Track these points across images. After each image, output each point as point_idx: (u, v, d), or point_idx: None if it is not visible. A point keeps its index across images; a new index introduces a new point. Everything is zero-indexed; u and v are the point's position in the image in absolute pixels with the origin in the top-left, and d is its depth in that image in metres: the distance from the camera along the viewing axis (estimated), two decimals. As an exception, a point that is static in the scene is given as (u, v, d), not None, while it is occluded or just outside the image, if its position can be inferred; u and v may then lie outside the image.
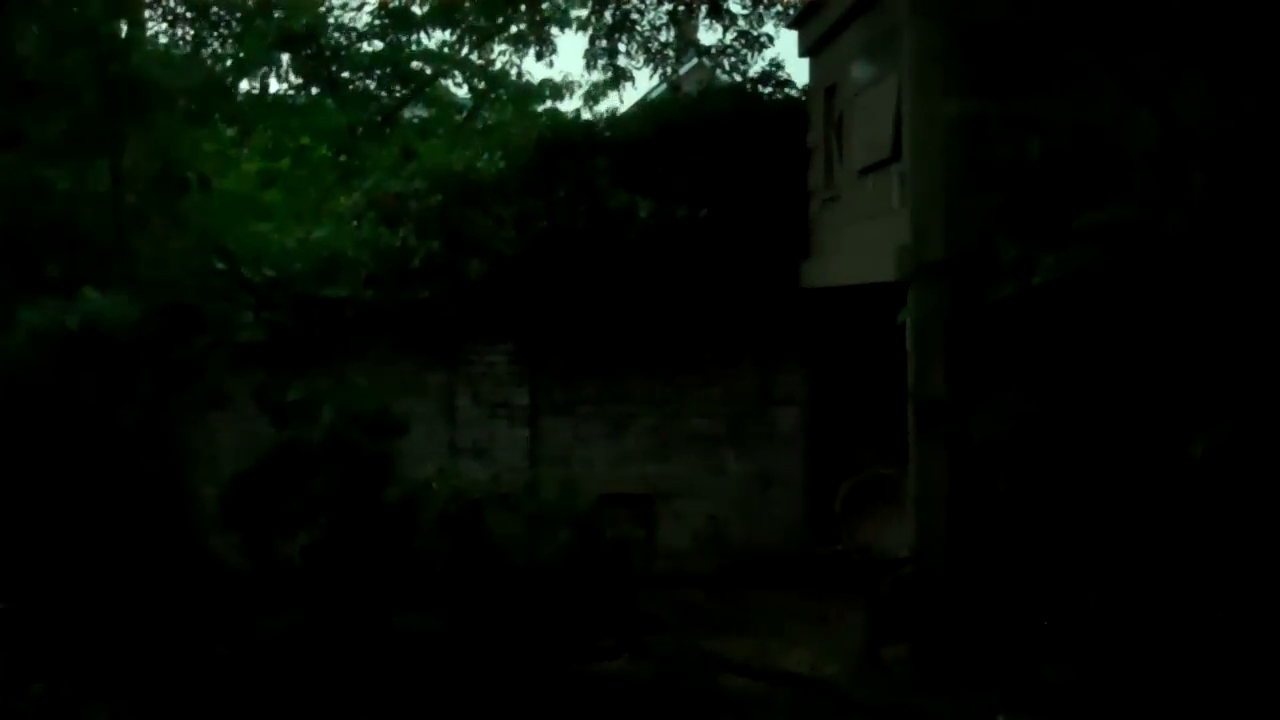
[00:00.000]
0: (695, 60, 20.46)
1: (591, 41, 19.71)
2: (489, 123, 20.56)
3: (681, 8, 19.06)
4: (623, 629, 11.87)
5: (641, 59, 19.47)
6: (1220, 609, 8.28)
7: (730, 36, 19.37)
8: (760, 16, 19.23)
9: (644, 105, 17.90)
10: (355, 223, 15.51)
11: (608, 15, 19.21)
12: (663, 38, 19.41)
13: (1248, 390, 7.93)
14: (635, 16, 19.20)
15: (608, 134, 15.85)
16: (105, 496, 11.42)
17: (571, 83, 20.86)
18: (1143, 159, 8.87)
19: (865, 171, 12.42)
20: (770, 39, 19.28)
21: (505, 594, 11.29)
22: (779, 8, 19.16)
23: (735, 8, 19.23)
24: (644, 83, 20.46)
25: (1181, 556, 8.65)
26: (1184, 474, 8.26)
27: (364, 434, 12.55)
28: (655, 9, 19.17)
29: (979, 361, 10.47)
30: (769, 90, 16.12)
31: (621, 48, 19.46)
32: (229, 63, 14.97)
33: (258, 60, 13.59)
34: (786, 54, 26.09)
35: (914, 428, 11.09)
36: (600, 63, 19.69)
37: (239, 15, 18.41)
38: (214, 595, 11.55)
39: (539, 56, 20.69)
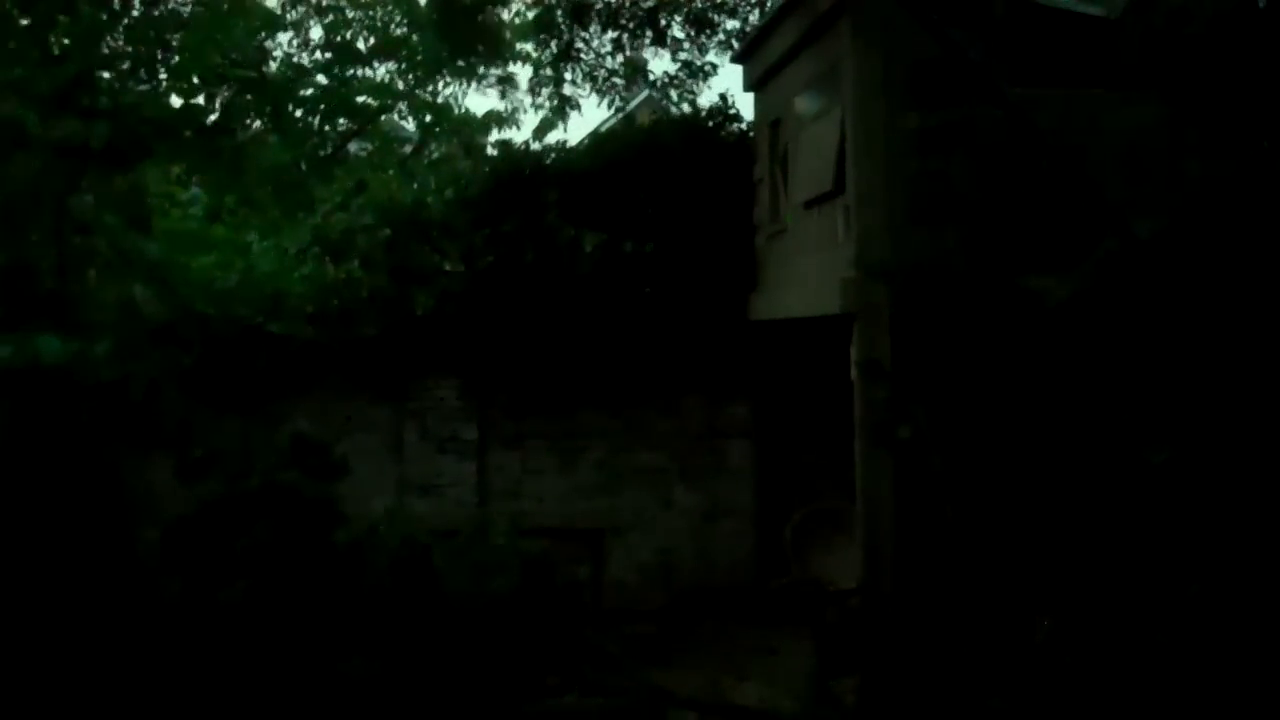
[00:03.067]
0: (645, 91, 20.53)
1: (536, 70, 19.77)
2: (435, 156, 20.52)
3: (626, 35, 19.09)
4: (571, 665, 11.82)
5: (588, 88, 19.50)
6: (1169, 637, 8.32)
7: (675, 66, 19.48)
8: (704, 45, 19.34)
9: (593, 138, 17.90)
10: (301, 258, 15.39)
11: (553, 45, 19.23)
12: (609, 65, 19.44)
13: (1190, 414, 8.01)
14: (580, 45, 19.23)
15: (556, 167, 15.83)
16: (44, 539, 11.25)
17: (516, 113, 20.87)
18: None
19: (810, 205, 12.49)
20: (714, 67, 19.41)
21: (451, 634, 11.22)
22: (720, 36, 19.28)
23: (679, 33, 19.33)
24: (592, 112, 20.60)
25: (1124, 585, 8.70)
26: (1123, 503, 8.32)
27: (305, 476, 12.45)
28: (600, 37, 19.20)
29: (927, 387, 10.52)
30: (714, 124, 16.14)
31: (568, 76, 19.51)
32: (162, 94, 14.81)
33: (189, 94, 13.43)
34: (732, 84, 26.39)
35: (861, 459, 11.12)
36: (546, 91, 19.73)
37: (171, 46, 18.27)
38: (155, 638, 11.40)
39: (502, 95, 20.82)
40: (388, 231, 15.25)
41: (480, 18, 16.01)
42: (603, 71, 19.40)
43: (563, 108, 19.76)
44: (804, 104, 12.92)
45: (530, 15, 20.01)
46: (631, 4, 18.67)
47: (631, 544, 15.25)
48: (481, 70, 20.56)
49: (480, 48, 18.10)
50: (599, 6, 18.63)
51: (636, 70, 19.64)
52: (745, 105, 16.90)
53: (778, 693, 11.67)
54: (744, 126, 16.20)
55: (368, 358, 14.85)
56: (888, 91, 11.03)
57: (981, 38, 10.24)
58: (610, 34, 19.01)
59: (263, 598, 11.40)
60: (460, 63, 20.10)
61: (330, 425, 14.25)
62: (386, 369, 15.01)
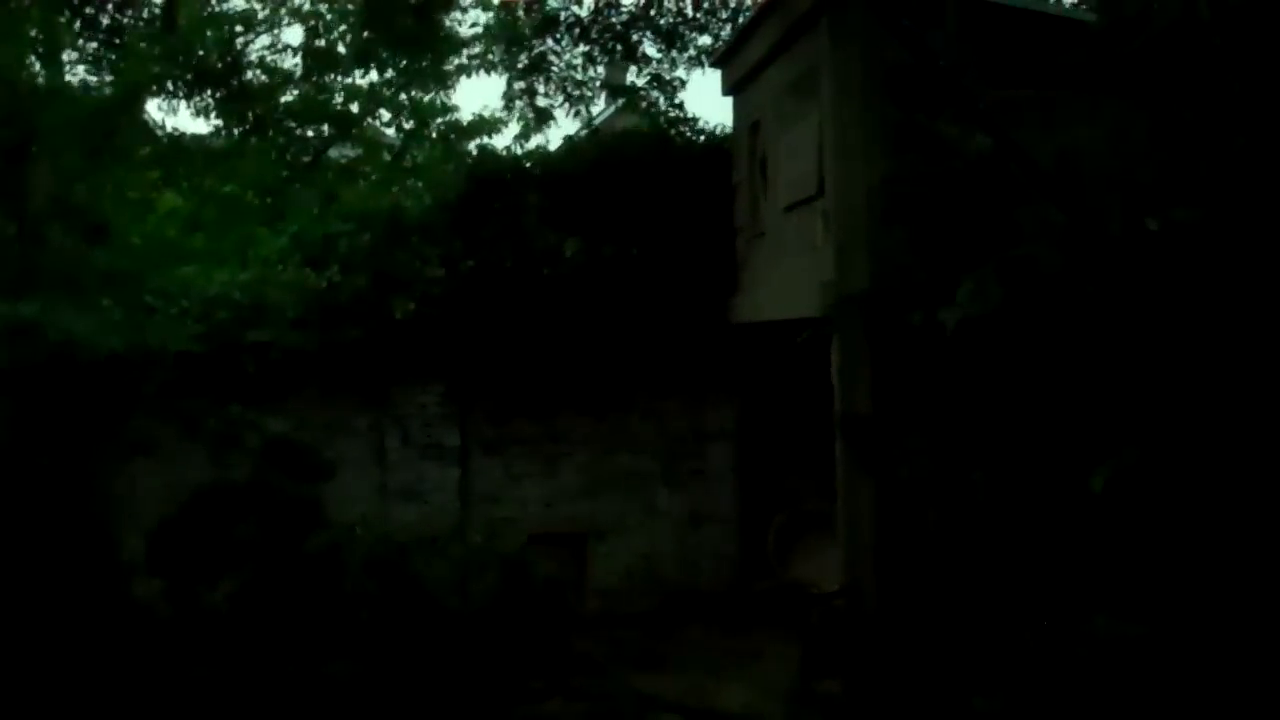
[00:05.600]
0: (617, 102, 20.56)
1: (509, 83, 19.86)
2: (417, 160, 20.50)
3: (597, 49, 19.19)
4: (555, 670, 11.81)
5: (560, 98, 19.61)
6: (1145, 636, 8.35)
7: (643, 80, 19.59)
8: (674, 60, 19.49)
9: (572, 142, 17.91)
10: (281, 265, 15.35)
11: (524, 57, 19.36)
12: (579, 77, 19.56)
13: (1148, 421, 8.06)
14: (552, 58, 19.34)
15: (536, 172, 15.84)
16: (26, 543, 11.23)
17: (499, 119, 20.86)
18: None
19: (790, 208, 12.51)
20: (683, 82, 19.56)
21: (434, 638, 11.20)
22: (691, 52, 19.45)
23: (650, 51, 19.47)
24: (568, 121, 20.62)
25: (1103, 583, 8.73)
26: (1096, 503, 8.35)
27: (290, 478, 12.44)
28: (570, 50, 19.31)
29: (903, 393, 10.54)
30: (688, 131, 16.20)
31: (540, 88, 19.61)
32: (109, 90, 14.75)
33: (141, 87, 13.35)
34: (702, 98, 26.51)
35: (842, 462, 11.14)
36: (518, 104, 19.87)
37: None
38: (138, 643, 11.37)
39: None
40: (367, 237, 15.20)
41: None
42: (572, 84, 19.55)
43: (540, 119, 19.85)
44: (782, 108, 12.94)
45: (483, 20, 20.22)
46: (602, 19, 18.80)
47: (615, 548, 15.25)
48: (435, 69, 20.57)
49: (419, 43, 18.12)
50: (569, 21, 18.76)
51: (611, 89, 19.78)
52: (725, 109, 16.89)
53: (762, 696, 11.69)
54: (723, 130, 16.25)
55: (349, 364, 14.80)
56: (866, 94, 11.05)
57: (955, 41, 10.29)
58: (581, 48, 19.16)
59: (246, 598, 11.40)
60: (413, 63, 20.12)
61: (312, 432, 14.21)
62: (368, 375, 14.97)
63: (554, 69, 19.42)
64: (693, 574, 15.16)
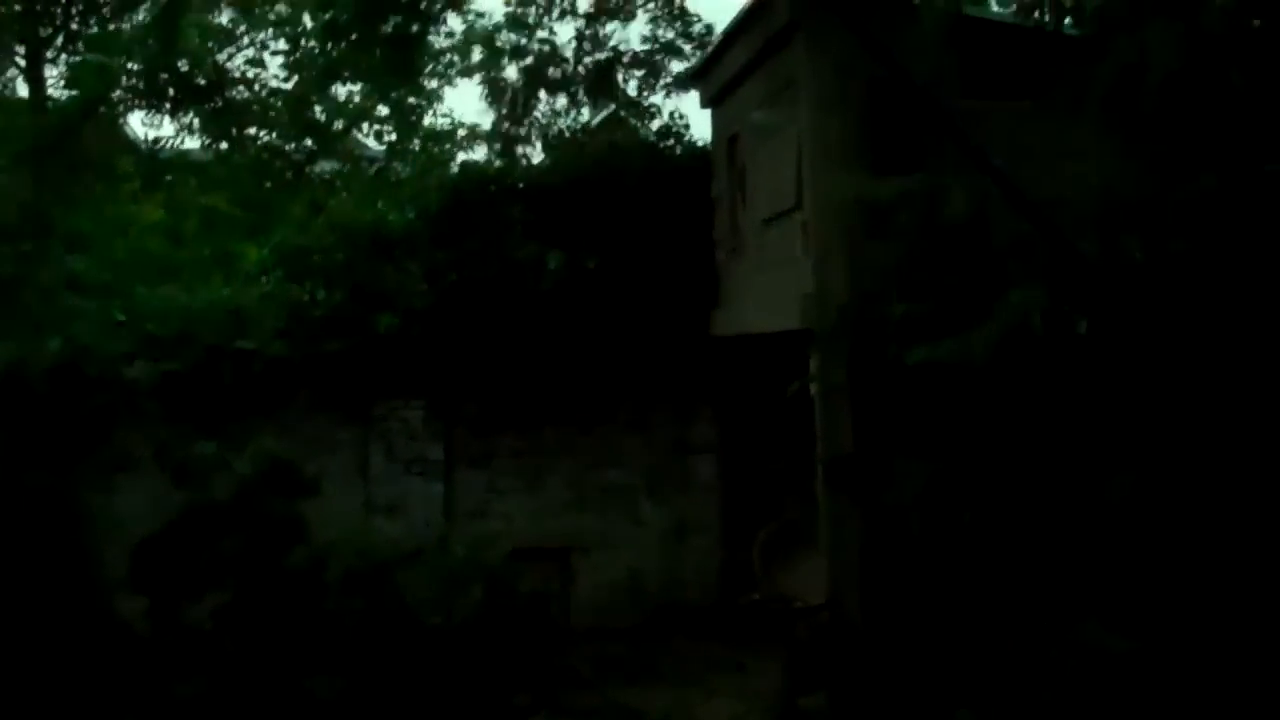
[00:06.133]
0: (608, 109, 20.64)
1: (494, 129, 20.26)
2: (401, 174, 20.51)
3: (580, 91, 19.60)
4: (540, 685, 11.77)
5: (539, 144, 20.09)
6: (1128, 651, 8.37)
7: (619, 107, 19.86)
8: (652, 86, 19.75)
9: (554, 157, 17.94)
10: (263, 278, 15.32)
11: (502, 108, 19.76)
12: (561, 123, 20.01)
13: (1139, 446, 8.11)
14: (536, 108, 19.80)
15: (518, 186, 15.83)
16: (6, 562, 11.19)
17: (478, 127, 21.00)
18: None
19: (769, 221, 12.51)
20: (658, 108, 19.83)
21: (418, 653, 11.17)
22: (667, 79, 19.71)
23: (631, 90, 19.84)
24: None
25: (1087, 599, 8.74)
26: (1084, 521, 8.39)
27: (274, 494, 12.39)
28: (552, 100, 19.80)
29: (884, 414, 10.56)
30: (670, 144, 16.22)
31: (520, 132, 20.06)
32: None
33: (94, 95, 13.28)
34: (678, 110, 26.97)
35: (824, 480, 11.14)
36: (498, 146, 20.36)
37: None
38: (121, 661, 11.33)
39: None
40: (349, 251, 15.17)
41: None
42: (553, 126, 19.92)
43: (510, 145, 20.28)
44: (761, 121, 12.95)
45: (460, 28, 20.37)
46: (587, 68, 19.15)
47: (600, 562, 15.20)
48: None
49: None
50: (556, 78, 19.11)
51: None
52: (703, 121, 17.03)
53: (748, 710, 11.67)
54: (704, 144, 16.26)
55: (333, 378, 14.77)
56: (843, 107, 11.07)
57: (933, 55, 10.29)
58: (563, 98, 19.56)
59: (230, 615, 11.35)
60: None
61: (296, 447, 14.17)
62: (351, 390, 14.93)
63: (538, 117, 19.87)
64: (678, 587, 15.12)
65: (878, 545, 10.77)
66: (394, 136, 21.36)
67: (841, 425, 10.87)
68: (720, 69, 14.25)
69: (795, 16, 11.49)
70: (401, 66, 14.36)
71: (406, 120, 21.11)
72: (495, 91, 20.25)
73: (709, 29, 19.83)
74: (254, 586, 11.50)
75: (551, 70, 19.71)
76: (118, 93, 19.27)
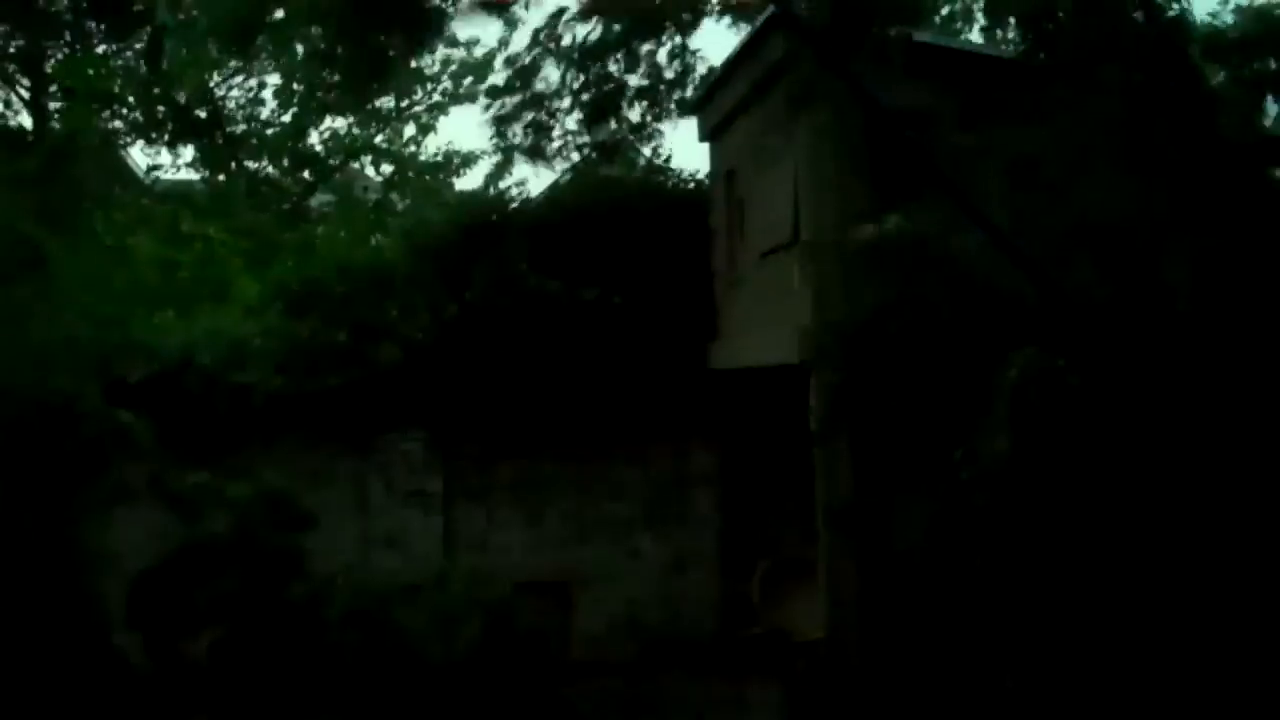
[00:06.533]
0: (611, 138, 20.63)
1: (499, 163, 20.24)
2: (399, 206, 20.57)
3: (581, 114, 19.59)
4: (539, 720, 11.72)
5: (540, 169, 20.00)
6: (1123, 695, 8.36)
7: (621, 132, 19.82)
8: (658, 113, 19.70)
9: (555, 189, 17.92)
10: (262, 312, 15.32)
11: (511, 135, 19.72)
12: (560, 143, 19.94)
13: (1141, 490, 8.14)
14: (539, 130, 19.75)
15: (518, 218, 15.83)
16: (4, 598, 11.16)
17: (474, 155, 21.03)
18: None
19: (767, 254, 12.51)
20: (659, 131, 19.74)
21: (417, 689, 11.12)
22: (671, 106, 19.66)
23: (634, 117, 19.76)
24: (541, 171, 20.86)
25: (1084, 636, 8.71)
26: (1085, 564, 8.38)
27: (271, 528, 12.36)
28: (567, 116, 19.70)
29: (883, 449, 10.53)
30: (665, 178, 16.23)
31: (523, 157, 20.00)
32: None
33: (82, 129, 13.37)
34: (680, 142, 26.88)
35: (823, 516, 11.11)
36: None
37: None
38: (118, 697, 11.29)
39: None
40: (348, 286, 15.18)
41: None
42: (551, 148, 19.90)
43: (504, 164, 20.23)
44: (758, 155, 12.95)
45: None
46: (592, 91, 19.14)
47: (599, 596, 15.13)
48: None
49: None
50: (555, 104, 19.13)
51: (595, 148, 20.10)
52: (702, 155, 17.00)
53: (745, 745, 11.61)
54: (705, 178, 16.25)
55: (332, 411, 14.73)
56: (840, 141, 11.07)
57: (929, 89, 10.34)
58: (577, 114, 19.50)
59: (227, 651, 11.31)
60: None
61: (295, 479, 14.17)
62: (351, 422, 14.88)
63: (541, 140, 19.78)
64: (676, 621, 15.04)
65: (876, 581, 10.72)
66: (390, 168, 21.49)
67: (840, 459, 10.82)
68: (718, 103, 14.26)
69: (791, 50, 11.47)
70: (364, 84, 14.40)
71: (401, 152, 21.21)
72: (498, 117, 20.14)
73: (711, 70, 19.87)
74: (252, 622, 11.46)
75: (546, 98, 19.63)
76: (118, 124, 19.40)
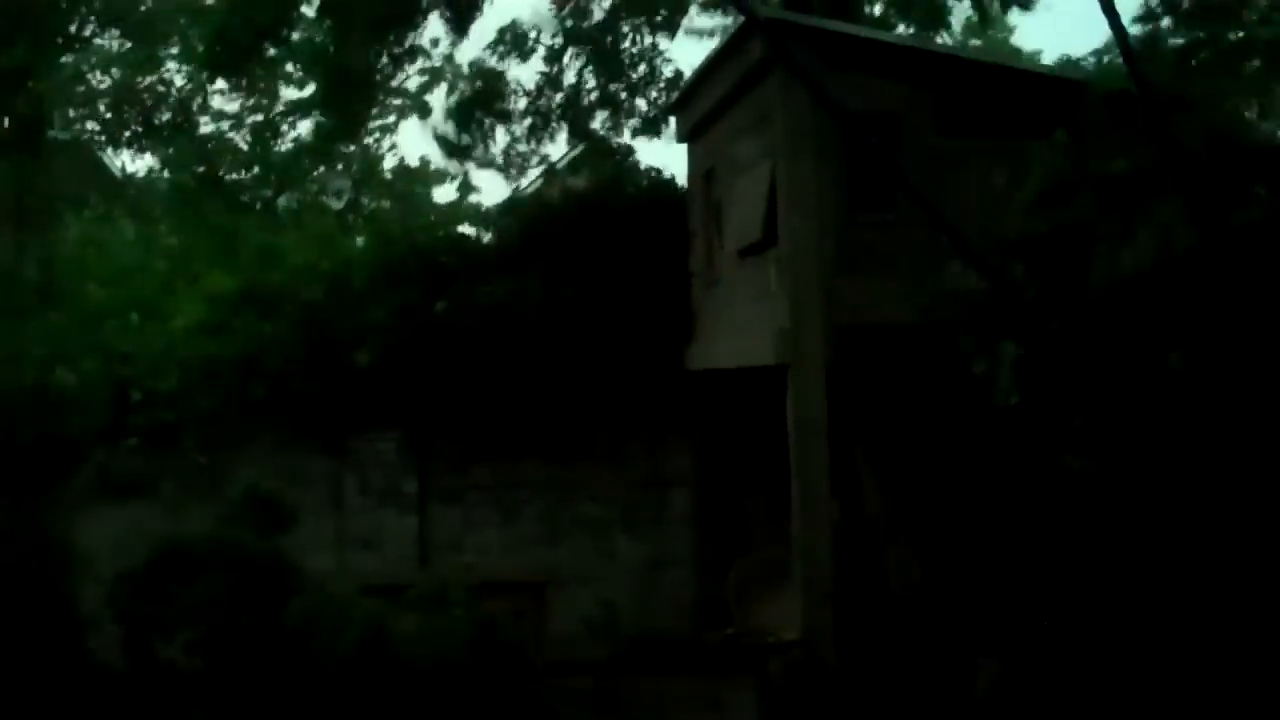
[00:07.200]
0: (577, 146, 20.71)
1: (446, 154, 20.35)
2: (369, 209, 20.60)
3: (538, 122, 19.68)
4: (517, 723, 11.69)
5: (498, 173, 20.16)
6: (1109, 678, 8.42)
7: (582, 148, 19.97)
8: (619, 126, 19.83)
9: (531, 193, 17.99)
10: (232, 313, 15.26)
11: (465, 135, 19.79)
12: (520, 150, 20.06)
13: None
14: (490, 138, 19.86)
15: (494, 221, 15.86)
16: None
17: (440, 170, 21.11)
18: None
19: (744, 254, 12.54)
20: (630, 149, 19.91)
21: (398, 693, 11.09)
22: (635, 122, 19.80)
23: (596, 125, 19.91)
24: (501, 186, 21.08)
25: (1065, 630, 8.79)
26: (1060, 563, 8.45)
27: (252, 531, 12.29)
28: (519, 122, 19.79)
29: (860, 448, 10.61)
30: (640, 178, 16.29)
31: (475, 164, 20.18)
32: None
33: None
34: (656, 145, 27.10)
35: (799, 514, 11.14)
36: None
37: None
38: (92, 697, 11.24)
39: None
40: (321, 291, 15.16)
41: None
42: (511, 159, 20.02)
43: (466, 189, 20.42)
44: (735, 155, 13.00)
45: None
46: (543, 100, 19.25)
47: (574, 596, 15.08)
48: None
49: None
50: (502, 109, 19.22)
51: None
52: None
53: (720, 746, 11.62)
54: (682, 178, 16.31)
55: (307, 411, 14.71)
56: (818, 142, 11.12)
57: (903, 91, 10.42)
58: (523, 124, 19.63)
59: (210, 654, 11.25)
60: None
61: (269, 479, 14.13)
62: (326, 422, 14.87)
63: (492, 147, 19.91)
64: (652, 621, 15.03)
65: (852, 575, 10.78)
66: (355, 171, 21.53)
67: (816, 460, 10.87)
68: (697, 104, 14.31)
69: (770, 52, 11.55)
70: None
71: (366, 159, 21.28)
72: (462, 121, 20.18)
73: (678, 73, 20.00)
74: (233, 626, 11.41)
75: (506, 101, 19.69)
76: (93, 124, 19.36)
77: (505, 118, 19.46)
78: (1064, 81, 11.22)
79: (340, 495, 15.10)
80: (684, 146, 15.36)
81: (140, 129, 19.07)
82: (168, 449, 14.22)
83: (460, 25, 17.52)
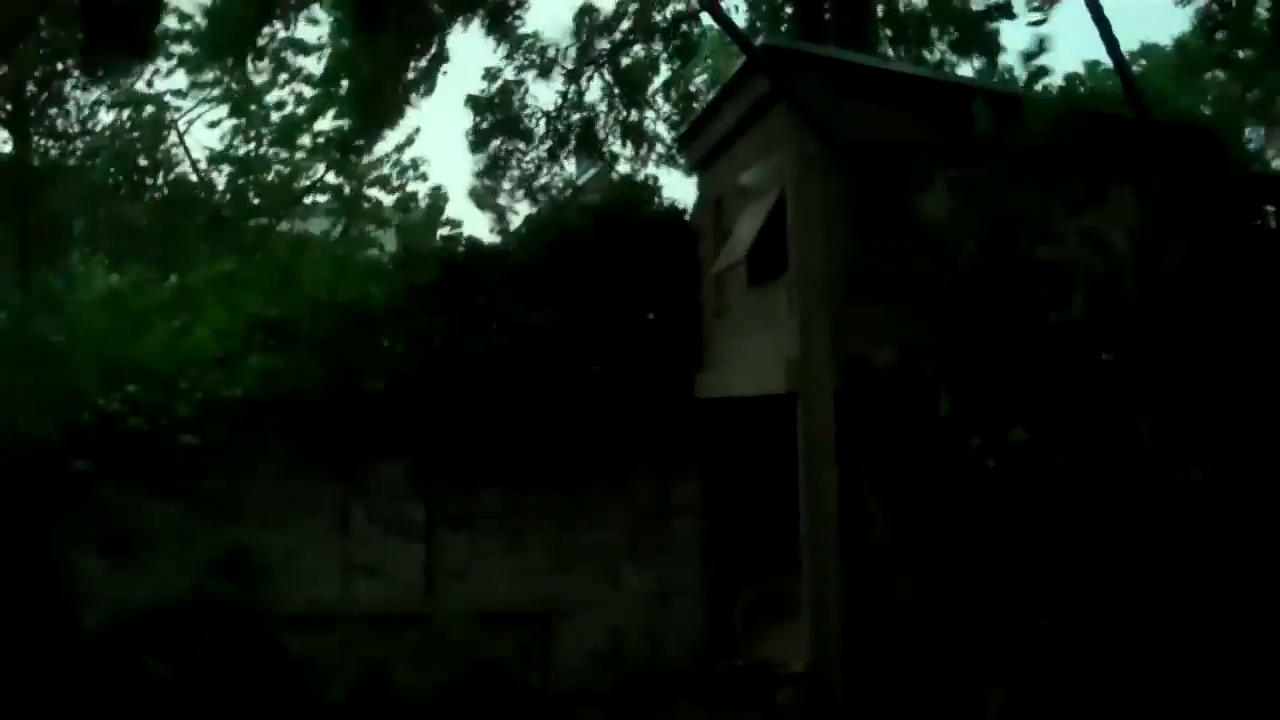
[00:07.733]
0: (594, 169, 20.73)
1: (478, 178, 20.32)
2: (374, 235, 20.62)
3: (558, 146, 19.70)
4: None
5: (521, 194, 20.04)
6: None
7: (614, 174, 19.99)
8: (644, 158, 19.88)
9: (539, 222, 18.00)
10: (244, 342, 15.24)
11: (483, 157, 19.79)
12: (543, 178, 20.08)
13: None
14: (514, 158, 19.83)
15: (503, 252, 15.86)
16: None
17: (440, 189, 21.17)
18: None
19: (752, 282, 12.53)
20: (655, 179, 19.97)
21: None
22: (659, 151, 19.83)
23: (616, 148, 19.92)
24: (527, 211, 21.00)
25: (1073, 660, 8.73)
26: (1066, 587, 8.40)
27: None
28: (537, 147, 19.82)
29: (871, 479, 10.57)
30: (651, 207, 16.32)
31: (505, 186, 20.10)
32: None
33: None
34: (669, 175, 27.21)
35: (807, 545, 11.08)
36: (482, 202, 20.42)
37: None
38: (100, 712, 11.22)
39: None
40: (331, 322, 15.17)
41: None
42: (534, 182, 20.02)
43: (500, 219, 20.39)
44: (745, 184, 13.01)
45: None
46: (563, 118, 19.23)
47: (580, 626, 15.02)
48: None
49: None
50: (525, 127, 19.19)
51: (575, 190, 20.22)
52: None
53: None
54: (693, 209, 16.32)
55: (315, 438, 14.66)
56: (826, 171, 11.12)
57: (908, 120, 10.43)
58: (542, 147, 19.61)
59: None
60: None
61: (275, 504, 14.11)
62: (333, 449, 14.82)
63: (515, 168, 19.89)
64: (658, 651, 14.94)
65: (860, 607, 10.71)
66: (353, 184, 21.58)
67: (825, 489, 10.82)
68: (706, 135, 14.33)
69: (778, 83, 11.56)
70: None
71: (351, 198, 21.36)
72: (478, 143, 20.17)
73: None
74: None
75: (525, 122, 19.70)
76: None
77: (527, 137, 19.45)
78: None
79: (347, 521, 15.02)
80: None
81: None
82: (175, 478, 14.17)
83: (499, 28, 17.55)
